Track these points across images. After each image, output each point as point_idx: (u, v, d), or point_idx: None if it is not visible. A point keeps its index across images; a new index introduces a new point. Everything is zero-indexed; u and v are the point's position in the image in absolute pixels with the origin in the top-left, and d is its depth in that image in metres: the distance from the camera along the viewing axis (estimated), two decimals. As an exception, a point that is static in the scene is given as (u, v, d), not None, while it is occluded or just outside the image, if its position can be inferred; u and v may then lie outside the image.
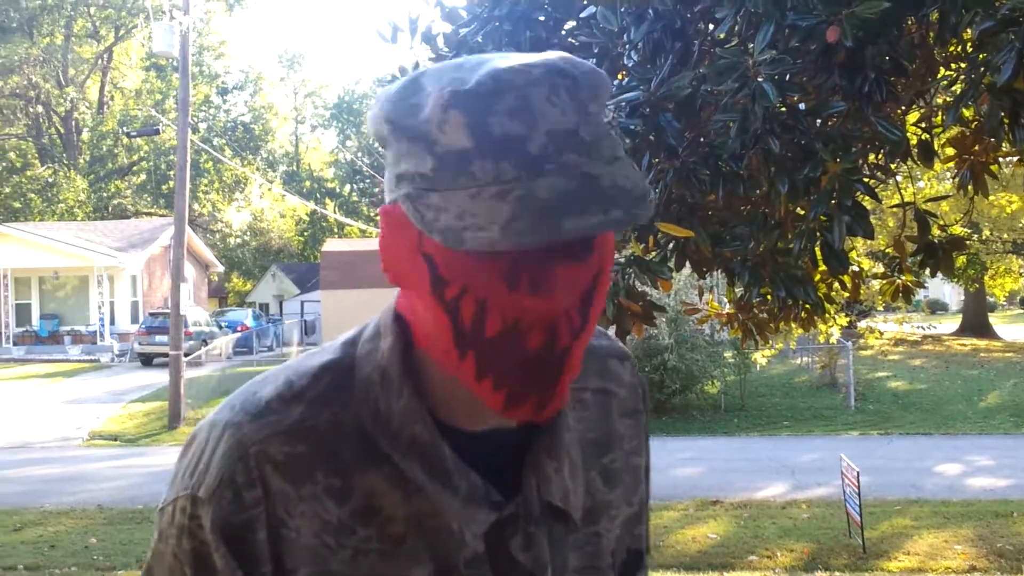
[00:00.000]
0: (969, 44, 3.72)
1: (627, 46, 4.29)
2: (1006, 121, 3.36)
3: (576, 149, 0.91)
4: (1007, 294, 45.14)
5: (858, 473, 9.34)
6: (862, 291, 4.93)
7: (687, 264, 4.95)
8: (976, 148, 4.50)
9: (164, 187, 52.67)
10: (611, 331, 4.86)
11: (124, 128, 47.20)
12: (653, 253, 4.82)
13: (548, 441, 1.09)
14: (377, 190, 61.29)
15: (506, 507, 1.05)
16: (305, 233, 63.11)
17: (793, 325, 5.25)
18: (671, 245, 4.82)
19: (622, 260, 4.56)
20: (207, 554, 1.03)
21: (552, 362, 0.97)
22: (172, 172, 36.56)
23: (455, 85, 0.92)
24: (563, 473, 1.10)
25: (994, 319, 42.31)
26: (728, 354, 21.47)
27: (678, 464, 15.65)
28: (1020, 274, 38.09)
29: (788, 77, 3.69)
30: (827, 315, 5.20)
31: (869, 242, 9.91)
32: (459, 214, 0.89)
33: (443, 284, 0.96)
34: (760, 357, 20.55)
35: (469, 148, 0.90)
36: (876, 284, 6.17)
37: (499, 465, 1.07)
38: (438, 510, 1.03)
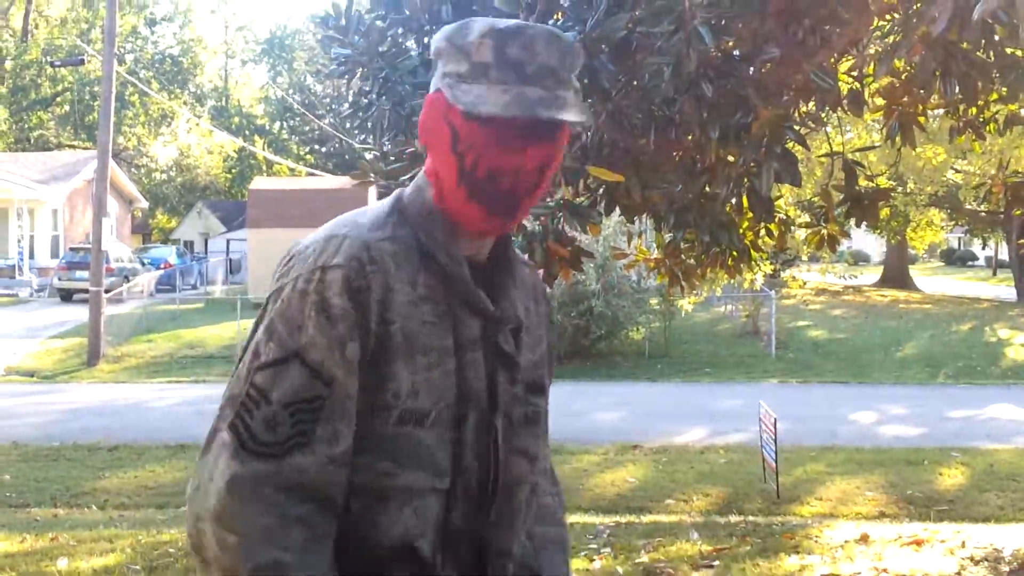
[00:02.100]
0: (903, -6, 3.72)
1: (563, -15, 4.23)
2: (938, 72, 3.38)
3: (554, 78, 1.56)
4: (927, 247, 46.06)
5: (775, 420, 9.47)
6: (788, 240, 4.96)
7: (617, 209, 4.94)
8: (905, 99, 4.53)
9: (88, 119, 51.36)
10: (539, 274, 4.84)
11: (48, 58, 45.91)
12: (583, 197, 4.80)
13: (512, 279, 1.72)
14: (307, 128, 60.54)
15: (493, 312, 1.64)
16: (233, 170, 62.08)
17: (720, 272, 5.28)
18: (601, 189, 4.80)
19: (551, 204, 4.53)
20: (330, 304, 1.51)
21: (512, 199, 1.59)
22: (97, 104, 35.72)
23: (492, 24, 1.57)
24: (520, 299, 1.73)
25: (914, 271, 43.21)
26: (653, 301, 21.64)
27: (600, 409, 15.79)
28: (941, 227, 38.85)
29: (724, 22, 3.67)
30: (753, 262, 5.23)
31: (796, 191, 10.02)
32: (477, 96, 1.53)
33: (457, 141, 1.57)
34: (685, 304, 20.73)
35: (490, 62, 1.54)
36: (801, 233, 6.22)
37: (481, 286, 1.64)
38: (466, 297, 1.61)
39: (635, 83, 4.10)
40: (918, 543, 7.04)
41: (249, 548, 1.46)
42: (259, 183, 37.18)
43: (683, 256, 5.25)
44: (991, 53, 3.56)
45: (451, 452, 1.59)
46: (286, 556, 1.46)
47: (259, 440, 1.49)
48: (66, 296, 30.21)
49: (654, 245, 5.88)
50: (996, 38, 3.44)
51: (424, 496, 1.57)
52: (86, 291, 22.93)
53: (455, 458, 1.59)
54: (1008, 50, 3.56)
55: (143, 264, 35.76)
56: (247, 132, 61.53)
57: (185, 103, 58.91)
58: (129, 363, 21.28)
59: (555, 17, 4.26)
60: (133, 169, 55.34)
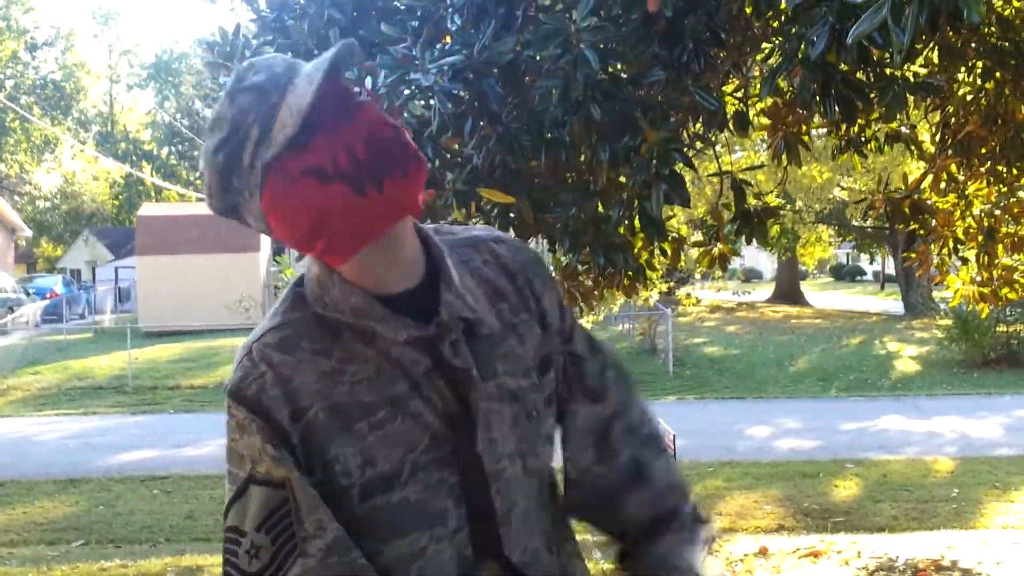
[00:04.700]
0: (785, 17, 3.80)
1: (450, 10, 4.23)
2: (817, 93, 3.44)
3: None
4: (816, 262, 47.13)
5: (674, 436, 9.55)
6: (681, 258, 5.02)
7: (510, 231, 4.94)
8: (789, 119, 4.62)
9: (-33, 146, 49.90)
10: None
11: (-77, 83, 44.50)
12: (476, 219, 4.79)
13: (446, 284, 1.54)
14: (196, 153, 59.56)
15: (428, 328, 1.49)
16: (120, 197, 60.76)
17: (616, 292, 5.31)
18: (494, 211, 4.79)
19: (445, 226, 4.51)
20: (240, 422, 1.45)
21: None
22: (-25, 131, 34.65)
23: None
24: (466, 300, 1.55)
25: (805, 287, 44.15)
26: (552, 321, 21.67)
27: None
28: (829, 243, 39.83)
29: (611, 45, 3.70)
30: (649, 281, 5.27)
31: (688, 210, 10.16)
32: None
33: None
34: (584, 323, 20.82)
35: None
36: (694, 252, 6.30)
37: (421, 313, 1.50)
38: (391, 342, 1.47)
39: (524, 106, 4.11)
40: (815, 555, 7.17)
41: None
42: (147, 209, 36.47)
43: (580, 278, 5.27)
44: (869, 74, 3.64)
45: (444, 492, 1.51)
46: None
47: (250, 573, 1.43)
48: (-53, 329, 29.23)
49: (551, 266, 5.90)
50: (874, 59, 3.52)
51: (425, 551, 1.51)
52: (-32, 324, 22.20)
53: (451, 496, 1.52)
54: (886, 71, 3.65)
55: (28, 294, 34.77)
56: (134, 158, 60.39)
57: (69, 129, 57.59)
58: (14, 396, 20.62)
59: (443, 40, 4.25)
60: (15, 197, 53.83)
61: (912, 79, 4.00)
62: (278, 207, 1.41)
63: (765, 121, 4.79)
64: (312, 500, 1.43)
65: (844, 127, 4.88)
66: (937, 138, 5.81)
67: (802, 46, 3.32)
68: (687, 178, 4.33)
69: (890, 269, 45.83)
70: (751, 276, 57.12)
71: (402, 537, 1.49)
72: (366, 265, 1.48)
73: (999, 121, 5.40)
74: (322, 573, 1.41)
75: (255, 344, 1.50)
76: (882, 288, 50.30)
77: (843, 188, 27.44)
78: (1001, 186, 5.85)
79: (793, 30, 3.48)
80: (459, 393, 1.52)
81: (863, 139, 5.22)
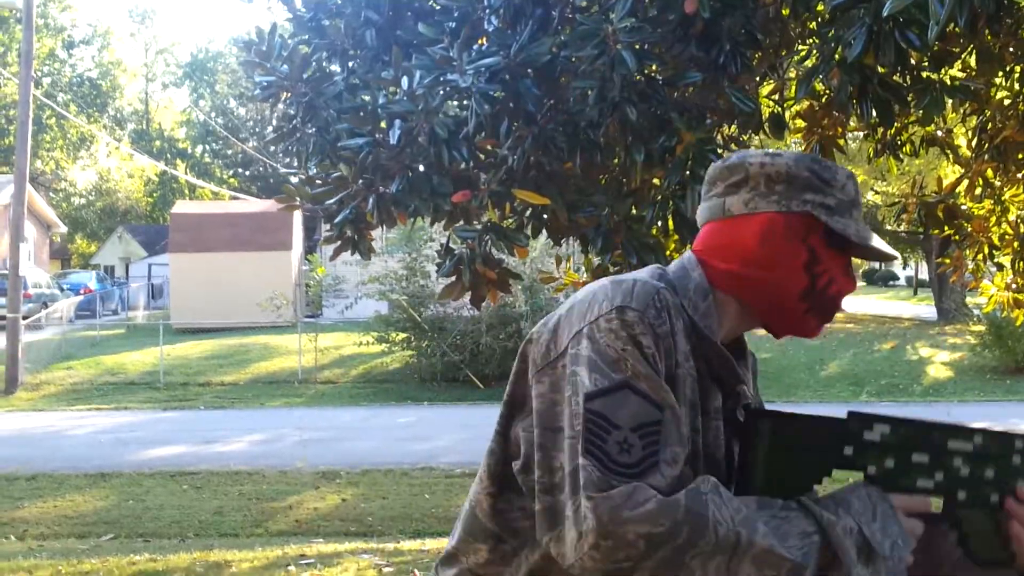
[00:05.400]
0: (822, 19, 3.79)
1: (487, 11, 4.24)
2: (855, 96, 3.44)
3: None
4: (848, 267, 46.64)
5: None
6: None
7: (543, 231, 4.95)
8: (825, 122, 4.60)
9: (4, 143, 50.35)
10: (466, 298, 4.83)
11: (-38, 80, 45.00)
12: (510, 220, 4.80)
13: (743, 360, 1.80)
14: (230, 151, 59.97)
15: (741, 388, 1.72)
16: (154, 194, 61.27)
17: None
18: (528, 212, 4.81)
19: (479, 227, 4.53)
20: (638, 340, 1.56)
21: (836, 311, 1.77)
22: (13, 128, 35.02)
23: (844, 167, 1.75)
24: (750, 382, 1.80)
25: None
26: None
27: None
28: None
29: (646, 46, 3.71)
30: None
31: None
32: (859, 231, 1.69)
33: (816, 263, 1.69)
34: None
35: (854, 199, 1.72)
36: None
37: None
38: (727, 367, 1.68)
39: (560, 107, 4.12)
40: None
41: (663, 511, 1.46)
42: (181, 207, 36.73)
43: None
44: (907, 77, 3.63)
45: None
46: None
47: (618, 462, 1.48)
48: (-18, 324, 29.51)
49: (583, 268, 5.90)
50: (912, 62, 3.51)
51: None
52: (3, 318, 22.41)
53: None
54: (924, 74, 3.64)
55: (62, 290, 35.06)
56: (169, 156, 60.84)
57: (104, 127, 58.07)
58: (48, 390, 20.82)
59: (479, 42, 4.27)
60: (51, 193, 54.36)
61: (949, 83, 3.98)
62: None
63: (801, 124, 4.77)
64: (678, 433, 1.55)
65: (881, 130, 4.86)
66: (973, 143, 5.76)
67: (839, 48, 3.31)
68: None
69: (923, 274, 45.46)
70: (782, 280, 56.85)
71: None
72: (742, 316, 1.76)
73: (1036, 126, 5.35)
74: (667, 495, 1.47)
75: (662, 290, 1.63)
76: (915, 293, 49.92)
77: (876, 192, 27.25)
78: (1037, 192, 5.80)
79: (831, 32, 3.47)
80: (727, 441, 1.71)
81: (899, 142, 5.19)
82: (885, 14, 2.58)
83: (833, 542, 1.51)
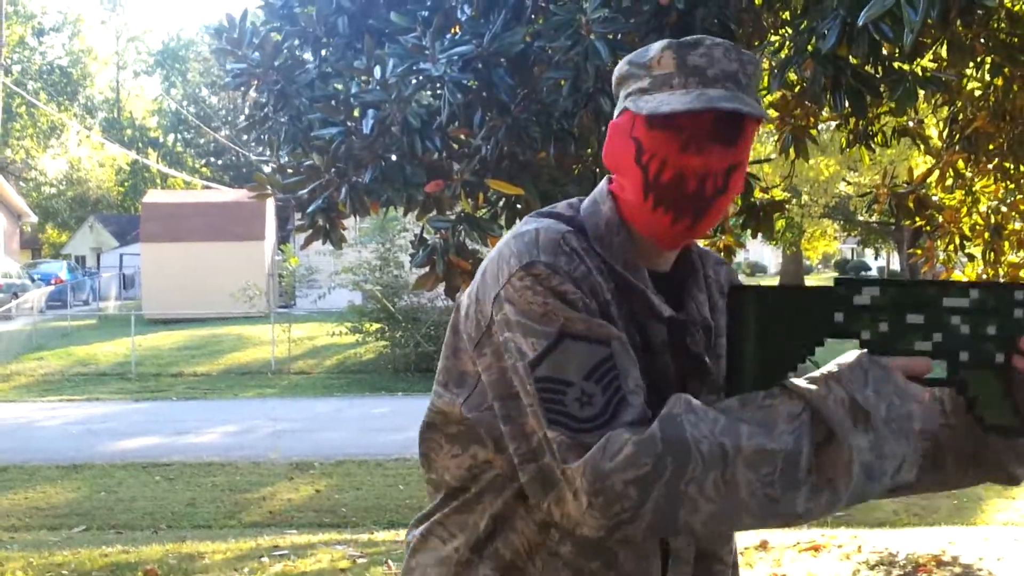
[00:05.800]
0: (795, 10, 3.80)
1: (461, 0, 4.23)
2: (828, 87, 3.44)
3: (734, 81, 1.55)
4: (821, 257, 47.10)
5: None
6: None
7: (516, 221, 4.94)
8: (798, 112, 4.62)
9: (-28, 131, 49.92)
10: (440, 288, 4.82)
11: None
12: (483, 210, 4.79)
13: (694, 281, 1.71)
14: (203, 140, 59.64)
15: (681, 313, 1.66)
16: (126, 183, 60.77)
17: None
18: (501, 202, 4.80)
19: (452, 217, 4.52)
20: (557, 289, 1.52)
21: (700, 202, 1.58)
22: (-19, 116, 34.68)
23: (671, 40, 1.59)
24: (704, 302, 1.71)
25: (810, 281, 44.09)
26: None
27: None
28: (834, 238, 39.79)
29: (620, 36, 3.70)
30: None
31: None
32: (659, 101, 1.54)
33: (641, 153, 1.59)
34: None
35: (672, 71, 1.56)
36: (699, 244, 6.30)
37: (665, 291, 1.66)
38: (649, 312, 1.62)
39: (534, 97, 4.11)
40: (816, 549, 7.18)
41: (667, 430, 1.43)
42: (153, 196, 36.47)
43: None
44: (879, 68, 3.64)
45: None
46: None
47: (583, 418, 1.46)
48: (-49, 314, 29.27)
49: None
50: (884, 53, 3.52)
51: None
52: (-28, 309, 22.25)
53: None
54: (896, 65, 3.65)
55: (32, 280, 34.75)
56: (140, 144, 60.34)
57: (75, 115, 57.59)
58: (18, 381, 20.68)
59: (452, 31, 4.25)
60: (21, 183, 53.85)
61: (921, 74, 4.00)
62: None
63: (773, 114, 4.78)
64: (632, 360, 1.52)
65: (853, 121, 4.88)
66: (945, 134, 5.80)
67: (812, 40, 3.32)
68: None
69: (895, 265, 45.76)
70: (755, 270, 57.05)
71: None
72: (659, 235, 1.63)
73: (1007, 118, 5.39)
74: (646, 421, 1.46)
75: (566, 234, 1.58)
76: (886, 283, 50.16)
77: (848, 183, 27.40)
78: (1008, 183, 5.84)
79: (804, 23, 3.48)
80: (678, 377, 1.65)
81: (871, 132, 5.21)
82: (860, 24, 2.59)
83: (824, 415, 1.43)
